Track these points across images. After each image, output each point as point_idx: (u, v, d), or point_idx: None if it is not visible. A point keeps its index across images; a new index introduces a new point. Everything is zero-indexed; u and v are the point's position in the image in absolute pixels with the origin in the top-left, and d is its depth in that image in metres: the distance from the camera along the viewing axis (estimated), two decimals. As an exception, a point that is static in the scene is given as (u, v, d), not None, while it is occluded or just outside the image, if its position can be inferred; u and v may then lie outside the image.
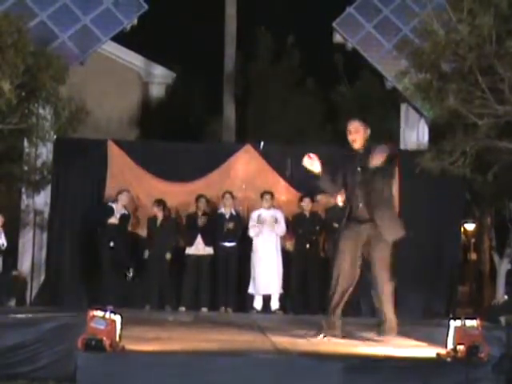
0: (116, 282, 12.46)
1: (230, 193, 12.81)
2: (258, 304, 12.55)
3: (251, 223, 12.63)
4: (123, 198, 12.63)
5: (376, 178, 7.51)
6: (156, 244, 12.65)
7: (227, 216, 12.70)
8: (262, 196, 12.71)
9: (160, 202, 12.73)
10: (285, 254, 12.78)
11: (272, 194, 12.70)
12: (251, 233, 12.60)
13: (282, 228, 12.59)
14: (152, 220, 12.79)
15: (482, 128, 11.61)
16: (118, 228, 12.53)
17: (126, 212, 12.72)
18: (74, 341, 5.79)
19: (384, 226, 7.53)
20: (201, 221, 12.61)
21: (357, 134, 7.76)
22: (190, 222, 12.76)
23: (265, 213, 12.60)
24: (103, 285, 12.43)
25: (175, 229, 12.89)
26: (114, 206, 12.60)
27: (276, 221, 12.58)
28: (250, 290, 12.58)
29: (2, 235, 12.25)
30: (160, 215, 12.73)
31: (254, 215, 12.66)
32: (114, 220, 12.48)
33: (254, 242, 12.61)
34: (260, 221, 12.53)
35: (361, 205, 7.59)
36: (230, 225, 12.59)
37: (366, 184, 7.55)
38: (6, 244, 12.18)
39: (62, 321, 8.40)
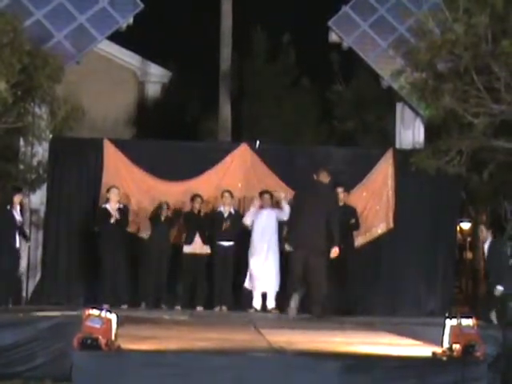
0: (113, 282, 12.44)
1: (230, 192, 12.77)
2: (257, 303, 12.50)
3: (247, 215, 12.64)
4: (113, 194, 12.58)
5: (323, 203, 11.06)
6: (154, 241, 12.68)
7: (226, 215, 12.68)
8: (260, 195, 12.69)
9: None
10: (282, 253, 12.73)
11: (271, 194, 12.68)
12: (247, 220, 12.61)
13: (285, 212, 12.33)
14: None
15: (478, 127, 11.64)
16: (118, 224, 12.48)
17: (122, 206, 12.68)
18: (69, 340, 5.80)
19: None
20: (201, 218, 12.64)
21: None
22: (188, 221, 12.76)
23: (264, 213, 12.57)
24: (101, 285, 12.43)
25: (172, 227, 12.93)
26: (107, 206, 12.57)
27: (275, 220, 12.57)
28: (246, 285, 12.57)
29: (18, 211, 12.21)
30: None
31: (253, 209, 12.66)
32: (111, 219, 12.46)
33: (252, 240, 12.58)
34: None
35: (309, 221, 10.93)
36: (228, 224, 12.60)
37: (316, 207, 11.02)
38: (22, 220, 12.22)
39: (58, 320, 8.42)
